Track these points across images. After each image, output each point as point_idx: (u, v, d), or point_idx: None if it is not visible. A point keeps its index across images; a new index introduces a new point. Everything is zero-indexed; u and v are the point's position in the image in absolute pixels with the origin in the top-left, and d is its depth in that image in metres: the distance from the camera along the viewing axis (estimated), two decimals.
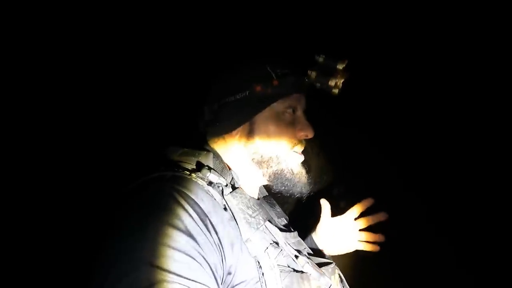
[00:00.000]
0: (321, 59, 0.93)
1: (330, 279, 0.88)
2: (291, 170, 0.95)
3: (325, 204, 1.14)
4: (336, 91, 0.95)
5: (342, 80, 0.94)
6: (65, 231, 1.17)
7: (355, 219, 1.16)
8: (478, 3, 1.21)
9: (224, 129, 0.92)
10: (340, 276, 0.96)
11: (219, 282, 0.69)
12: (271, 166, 0.93)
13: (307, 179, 0.98)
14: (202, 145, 0.96)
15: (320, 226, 1.16)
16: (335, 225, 1.15)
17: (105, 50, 1.27)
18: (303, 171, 0.98)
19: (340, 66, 0.92)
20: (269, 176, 0.94)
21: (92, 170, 1.23)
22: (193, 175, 0.77)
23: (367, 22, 1.27)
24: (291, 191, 0.96)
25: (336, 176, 1.50)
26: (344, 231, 1.15)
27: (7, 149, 1.18)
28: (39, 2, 1.18)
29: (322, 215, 1.15)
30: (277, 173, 0.93)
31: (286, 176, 0.93)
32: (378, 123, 1.38)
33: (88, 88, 1.25)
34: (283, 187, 0.95)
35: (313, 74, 0.93)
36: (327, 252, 1.17)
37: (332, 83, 0.92)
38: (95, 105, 1.25)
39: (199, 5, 1.27)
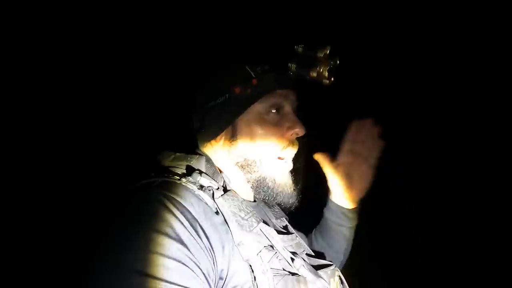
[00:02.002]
0: (300, 49, 0.86)
1: (329, 281, 0.85)
2: (274, 179, 0.91)
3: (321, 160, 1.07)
4: (326, 81, 0.89)
5: (327, 69, 0.87)
6: (57, 237, 1.20)
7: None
8: None
9: (209, 135, 0.92)
10: (340, 278, 0.92)
11: (212, 287, 0.69)
12: (254, 171, 0.91)
13: (292, 190, 0.94)
14: (194, 149, 0.98)
15: (332, 184, 1.09)
16: (344, 169, 1.07)
17: (102, 56, 1.30)
18: (289, 182, 0.94)
19: (320, 54, 0.85)
20: (252, 183, 0.92)
21: (85, 176, 1.27)
22: (183, 179, 0.77)
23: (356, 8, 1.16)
24: (274, 200, 0.93)
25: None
26: (355, 165, 1.07)
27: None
28: (38, 2, 1.21)
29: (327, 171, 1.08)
30: (260, 181, 0.91)
31: (268, 185, 0.91)
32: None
33: (84, 95, 1.29)
34: (266, 195, 0.92)
35: (293, 66, 0.87)
36: (354, 200, 1.09)
37: (313, 74, 0.85)
38: (91, 112, 1.30)
39: (180, 6, 1.25)
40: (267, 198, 0.92)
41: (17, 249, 1.20)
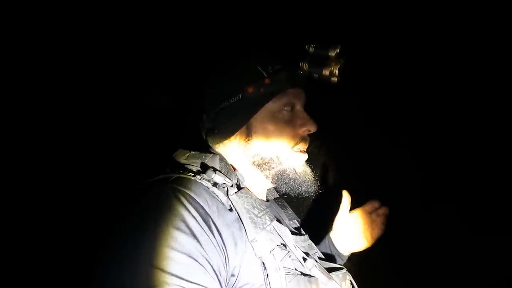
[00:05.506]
0: (311, 49, 0.88)
1: (341, 284, 0.85)
2: (294, 169, 0.92)
3: (345, 197, 1.12)
4: (335, 79, 0.91)
5: (338, 67, 0.89)
6: (71, 231, 1.20)
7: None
8: None
9: (223, 135, 0.93)
10: (351, 283, 0.92)
11: (223, 284, 0.69)
12: (273, 168, 0.91)
13: (313, 178, 0.95)
14: (208, 148, 0.99)
15: (337, 221, 1.15)
16: (352, 220, 1.14)
17: (113, 52, 1.32)
18: (308, 170, 0.96)
19: (332, 53, 0.87)
20: (272, 178, 0.93)
21: (101, 172, 1.27)
22: (198, 176, 0.78)
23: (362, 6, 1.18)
24: (297, 191, 0.94)
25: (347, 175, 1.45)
26: (361, 226, 1.13)
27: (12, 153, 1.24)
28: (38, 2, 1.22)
29: (341, 208, 1.13)
30: (280, 174, 0.92)
31: (290, 176, 0.92)
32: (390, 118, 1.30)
33: (101, 92, 1.30)
34: (288, 188, 0.93)
35: (305, 65, 0.88)
36: (347, 249, 1.15)
37: (326, 72, 0.87)
38: (109, 109, 1.30)
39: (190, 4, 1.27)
40: (290, 190, 0.93)
41: (33, 240, 1.20)
